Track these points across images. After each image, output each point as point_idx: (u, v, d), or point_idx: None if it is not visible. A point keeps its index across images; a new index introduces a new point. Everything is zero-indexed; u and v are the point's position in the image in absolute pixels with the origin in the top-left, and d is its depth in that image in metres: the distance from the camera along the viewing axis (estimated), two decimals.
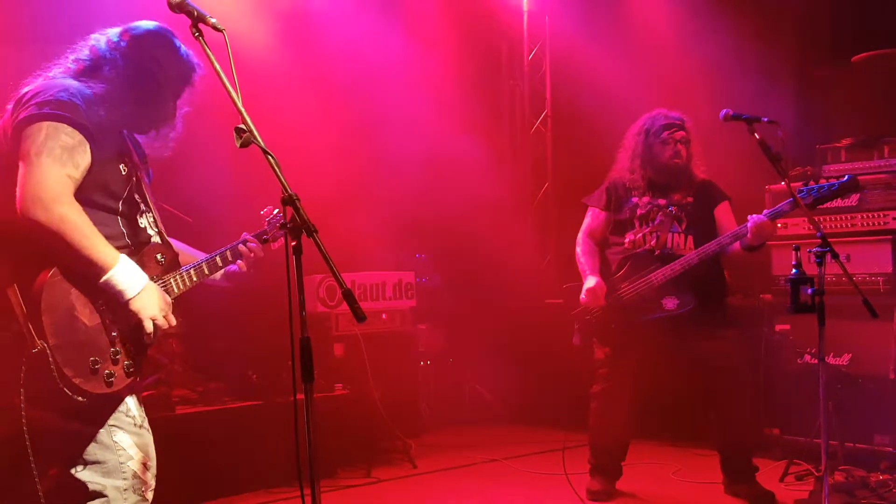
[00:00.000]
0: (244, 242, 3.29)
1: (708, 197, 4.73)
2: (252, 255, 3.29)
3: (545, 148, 8.44)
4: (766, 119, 4.26)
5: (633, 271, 4.59)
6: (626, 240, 4.66)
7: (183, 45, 2.97)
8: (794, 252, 4.01)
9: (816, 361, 4.09)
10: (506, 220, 8.02)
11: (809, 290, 3.87)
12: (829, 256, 3.90)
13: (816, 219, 5.23)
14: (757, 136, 4.18)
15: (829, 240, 3.98)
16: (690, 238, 4.63)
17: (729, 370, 4.57)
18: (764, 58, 6.68)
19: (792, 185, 4.31)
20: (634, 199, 4.71)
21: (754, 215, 4.41)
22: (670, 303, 4.50)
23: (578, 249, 4.81)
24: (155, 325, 2.83)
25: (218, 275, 3.26)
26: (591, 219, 4.86)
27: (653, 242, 4.62)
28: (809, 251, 4.04)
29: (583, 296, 4.58)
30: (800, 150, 6.11)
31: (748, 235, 4.39)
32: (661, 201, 4.68)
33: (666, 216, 4.64)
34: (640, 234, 4.64)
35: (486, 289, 7.58)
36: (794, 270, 3.97)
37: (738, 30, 6.73)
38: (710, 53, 6.64)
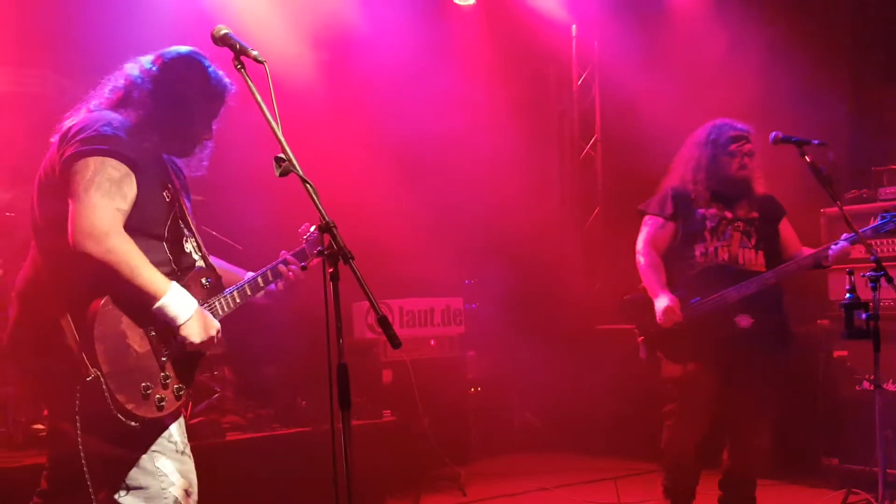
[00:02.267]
0: (284, 262, 3.28)
1: (772, 212, 4.55)
2: (291, 275, 3.26)
3: (595, 173, 8.39)
4: (816, 142, 4.18)
5: (705, 286, 4.34)
6: (697, 252, 4.41)
7: (213, 66, 3.02)
8: (847, 276, 3.92)
9: (874, 388, 3.97)
10: (555, 246, 7.98)
11: (864, 315, 3.78)
12: (884, 280, 3.80)
13: (872, 242, 5.11)
14: (808, 159, 4.12)
15: (887, 263, 3.88)
16: (762, 254, 4.44)
17: (775, 392, 4.44)
18: (816, 79, 6.57)
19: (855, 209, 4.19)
20: (701, 211, 4.45)
21: (839, 243, 4.26)
22: (744, 321, 4.28)
23: (642, 260, 4.49)
24: (204, 347, 2.89)
25: (259, 294, 3.27)
26: (654, 228, 4.53)
27: (725, 257, 4.39)
28: (863, 275, 3.94)
29: (659, 316, 4.33)
30: (855, 172, 6.00)
31: (829, 259, 4.29)
32: (728, 214, 4.45)
33: (735, 230, 4.44)
34: (713, 247, 4.40)
35: (535, 315, 7.53)
36: (848, 295, 3.89)
37: (789, 51, 6.64)
38: (762, 75, 6.56)
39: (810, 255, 4.38)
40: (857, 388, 5.41)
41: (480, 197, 7.34)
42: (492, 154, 7.35)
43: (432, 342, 6.58)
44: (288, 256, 3.32)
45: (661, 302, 4.34)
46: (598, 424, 6.90)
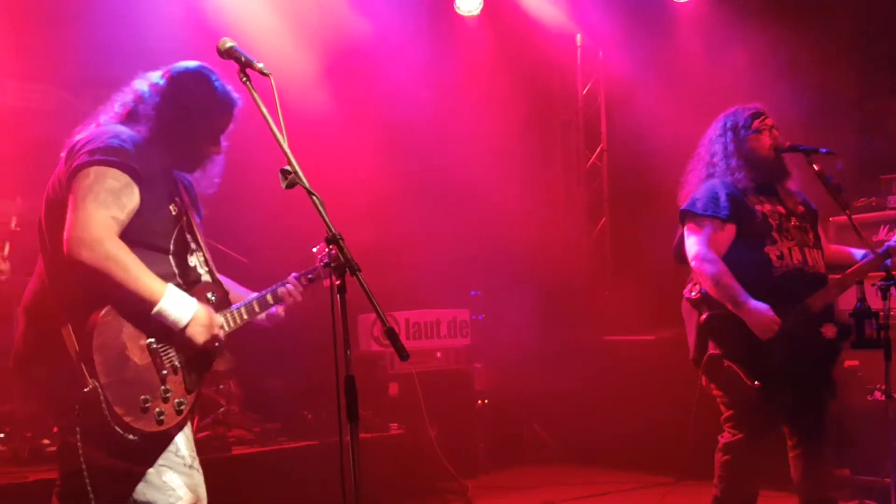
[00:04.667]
0: (285, 285, 3.24)
1: (811, 208, 4.23)
2: (290, 298, 3.23)
3: (601, 183, 8.38)
4: (824, 150, 4.10)
5: (785, 293, 3.93)
6: (773, 256, 3.97)
7: (221, 81, 3.02)
8: (857, 285, 3.89)
9: (885, 398, 3.93)
10: (562, 257, 7.96)
11: (874, 325, 3.74)
12: (894, 289, 3.77)
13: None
14: (816, 168, 4.05)
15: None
16: (821, 254, 4.09)
17: (835, 400, 4.19)
18: (824, 88, 6.56)
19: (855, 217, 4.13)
20: (758, 207, 4.02)
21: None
22: (830, 331, 3.95)
23: (713, 268, 3.92)
24: (209, 345, 2.87)
25: (263, 314, 3.24)
26: (711, 230, 3.98)
27: (799, 258, 3.99)
28: (874, 284, 3.90)
29: (760, 328, 3.86)
30: (863, 180, 5.98)
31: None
32: (781, 209, 4.06)
33: (795, 228, 4.05)
34: (786, 248, 3.98)
35: (542, 326, 7.51)
36: (858, 304, 3.84)
37: (797, 60, 6.63)
38: (769, 84, 6.54)
39: (874, 258, 4.04)
40: (869, 398, 5.38)
41: (486, 208, 7.33)
42: (497, 164, 7.34)
43: (439, 354, 6.56)
44: (291, 279, 3.27)
45: (760, 312, 3.86)
46: (608, 436, 6.85)
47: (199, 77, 3.00)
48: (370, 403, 5.88)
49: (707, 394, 4.22)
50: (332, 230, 2.48)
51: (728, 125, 4.17)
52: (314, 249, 3.44)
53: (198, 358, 2.91)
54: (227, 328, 3.01)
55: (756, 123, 4.13)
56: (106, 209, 2.73)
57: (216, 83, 3.01)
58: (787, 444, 4.12)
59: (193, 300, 2.84)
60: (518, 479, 6.78)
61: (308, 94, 6.21)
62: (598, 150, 8.37)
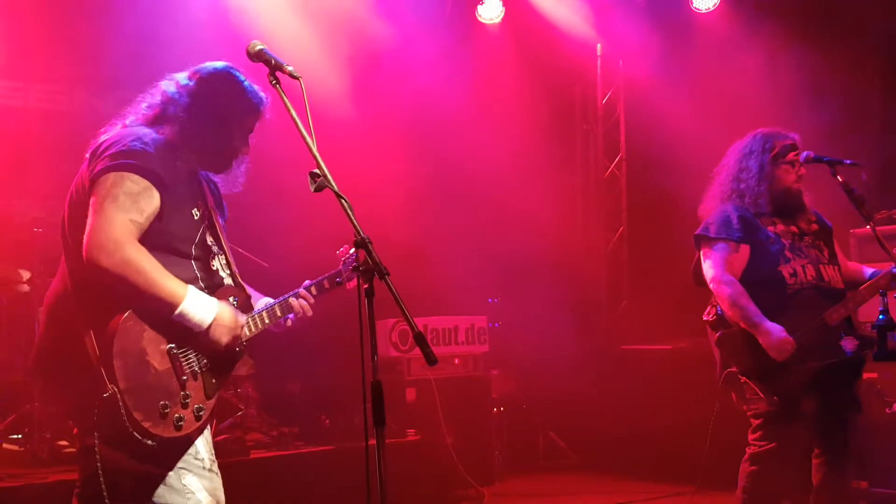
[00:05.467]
0: (296, 296, 3.14)
1: (826, 226, 4.32)
2: (301, 311, 3.14)
3: (619, 192, 8.36)
4: (848, 161, 4.11)
5: (800, 309, 4.00)
6: (786, 274, 4.06)
7: (248, 80, 3.02)
8: (880, 297, 3.86)
9: None
10: (580, 266, 7.95)
11: None
12: None
13: None
14: (840, 179, 4.05)
15: None
16: (837, 268, 4.16)
17: (859, 415, 4.17)
18: (847, 97, 6.53)
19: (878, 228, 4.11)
20: (770, 229, 4.14)
21: None
22: (849, 344, 3.98)
23: (728, 289, 4.02)
24: (231, 346, 2.87)
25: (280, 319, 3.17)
26: (728, 252, 4.10)
27: (813, 274, 4.07)
28: None
29: (774, 349, 3.93)
30: (886, 192, 5.94)
31: None
32: (794, 229, 4.16)
33: (808, 246, 4.14)
34: (799, 266, 4.07)
35: (559, 334, 7.50)
36: (880, 316, 3.82)
37: (818, 70, 6.60)
38: (790, 94, 6.52)
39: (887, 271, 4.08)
40: (888, 410, 5.34)
41: (505, 216, 7.34)
42: (516, 172, 7.34)
43: (456, 361, 6.56)
44: (301, 291, 3.17)
45: (773, 334, 3.95)
46: (624, 445, 6.83)
47: (227, 77, 3.00)
48: (387, 409, 5.85)
49: (727, 405, 4.24)
50: (361, 234, 2.47)
51: (767, 146, 4.22)
52: (338, 251, 3.43)
53: (218, 362, 2.90)
54: (249, 332, 2.99)
55: (791, 156, 4.19)
56: (125, 213, 2.71)
57: (244, 83, 3.00)
58: (812, 452, 4.10)
59: (215, 300, 2.83)
60: (534, 487, 6.76)
61: (332, 100, 6.23)
62: (616, 159, 8.37)
